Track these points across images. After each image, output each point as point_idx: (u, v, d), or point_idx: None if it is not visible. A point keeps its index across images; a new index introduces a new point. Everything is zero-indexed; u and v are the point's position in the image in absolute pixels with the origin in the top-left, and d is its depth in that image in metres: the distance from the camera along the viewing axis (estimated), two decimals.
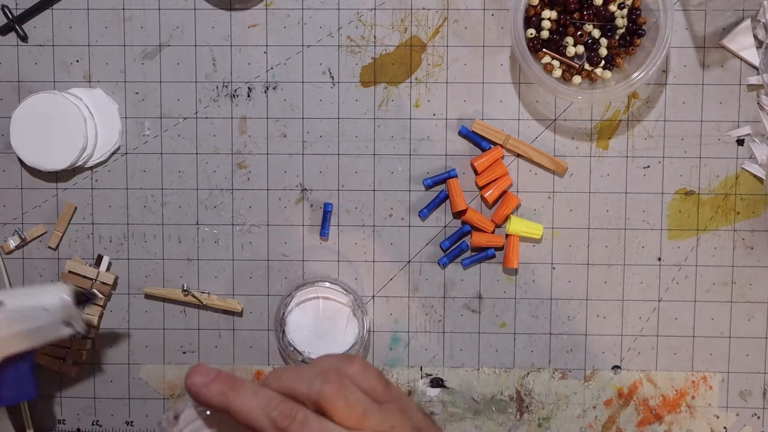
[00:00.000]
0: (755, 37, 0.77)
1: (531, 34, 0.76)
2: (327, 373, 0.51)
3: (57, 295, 0.69)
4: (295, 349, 0.77)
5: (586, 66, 0.77)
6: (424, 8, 0.79)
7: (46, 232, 0.81)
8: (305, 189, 0.80)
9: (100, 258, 0.80)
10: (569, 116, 0.79)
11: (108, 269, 0.80)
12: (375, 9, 0.79)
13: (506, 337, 0.80)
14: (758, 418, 0.80)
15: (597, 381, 0.80)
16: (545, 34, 0.76)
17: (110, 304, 0.81)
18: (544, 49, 0.77)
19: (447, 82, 0.79)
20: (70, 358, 0.80)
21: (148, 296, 0.81)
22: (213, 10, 0.79)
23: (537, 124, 0.79)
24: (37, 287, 0.71)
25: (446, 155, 0.80)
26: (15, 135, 0.77)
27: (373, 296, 0.80)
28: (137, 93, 0.80)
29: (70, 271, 0.80)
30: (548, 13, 0.76)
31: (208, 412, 0.52)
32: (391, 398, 0.53)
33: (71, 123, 0.77)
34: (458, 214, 0.80)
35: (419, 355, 0.81)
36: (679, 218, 0.79)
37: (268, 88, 0.80)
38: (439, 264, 0.80)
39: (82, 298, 0.72)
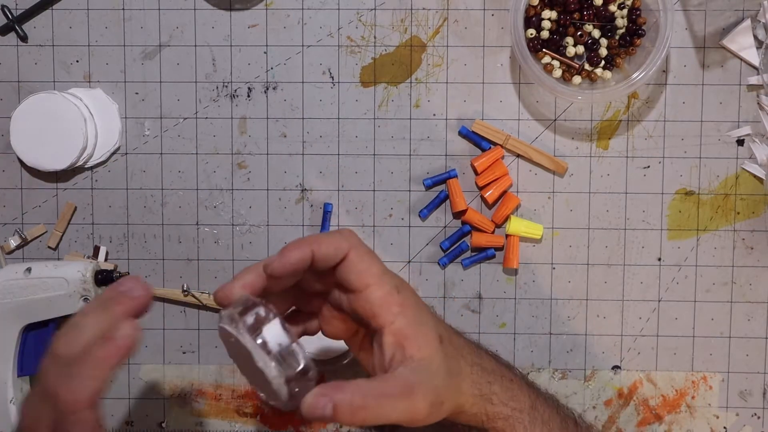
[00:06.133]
0: (755, 37, 0.77)
1: (531, 34, 0.76)
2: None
3: (78, 270, 0.75)
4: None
5: (586, 66, 0.77)
6: (424, 8, 0.79)
7: (46, 232, 0.81)
8: (305, 189, 0.80)
9: (96, 249, 0.80)
10: (569, 116, 0.79)
11: (106, 260, 0.80)
12: (375, 9, 0.79)
13: (506, 337, 0.80)
14: (758, 418, 0.80)
15: (597, 381, 0.80)
16: (545, 34, 0.76)
17: None
18: (544, 49, 0.77)
19: (447, 82, 0.79)
20: None
21: None
22: (213, 10, 0.79)
23: (537, 124, 0.79)
24: (65, 261, 0.77)
25: (446, 155, 0.80)
26: (15, 135, 0.77)
27: None
28: (137, 93, 0.80)
29: None
30: (548, 13, 0.76)
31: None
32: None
33: (71, 123, 0.77)
34: (458, 214, 0.80)
35: None
36: (679, 218, 0.79)
37: (268, 88, 0.80)
38: (439, 264, 0.80)
39: (100, 276, 0.76)
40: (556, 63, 0.76)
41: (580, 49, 0.77)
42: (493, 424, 0.61)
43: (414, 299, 0.58)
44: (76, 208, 0.81)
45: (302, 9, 0.79)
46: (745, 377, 0.80)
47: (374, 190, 0.80)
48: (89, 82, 0.80)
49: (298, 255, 0.54)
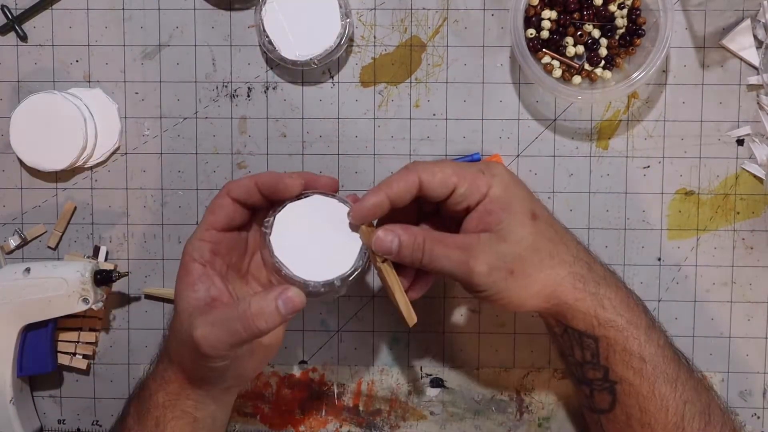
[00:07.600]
0: (755, 37, 0.77)
1: (531, 34, 0.76)
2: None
3: (77, 270, 0.75)
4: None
5: (586, 66, 0.77)
6: (424, 8, 0.79)
7: (46, 232, 0.81)
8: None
9: (96, 249, 0.80)
10: (569, 116, 0.79)
11: (106, 260, 0.80)
12: (375, 9, 0.79)
13: (506, 337, 0.80)
14: (758, 418, 0.80)
15: None
16: (545, 34, 0.76)
17: (110, 304, 0.81)
18: (544, 49, 0.77)
19: (447, 82, 0.79)
20: (80, 352, 0.80)
21: (147, 296, 0.81)
22: (213, 10, 0.79)
23: (537, 124, 0.79)
24: (64, 261, 0.77)
25: (446, 155, 0.80)
26: (15, 135, 0.77)
27: (373, 296, 0.80)
28: (137, 93, 0.80)
29: None
30: (548, 13, 0.76)
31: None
32: None
33: (71, 123, 0.77)
34: None
35: (419, 355, 0.81)
36: (679, 218, 0.79)
37: (268, 88, 0.80)
38: None
39: (99, 276, 0.76)
40: (556, 63, 0.76)
41: (580, 49, 0.77)
42: (604, 332, 0.61)
43: (505, 178, 0.62)
44: (76, 208, 0.81)
45: None
46: (745, 377, 0.80)
47: None
48: (89, 82, 0.80)
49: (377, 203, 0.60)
